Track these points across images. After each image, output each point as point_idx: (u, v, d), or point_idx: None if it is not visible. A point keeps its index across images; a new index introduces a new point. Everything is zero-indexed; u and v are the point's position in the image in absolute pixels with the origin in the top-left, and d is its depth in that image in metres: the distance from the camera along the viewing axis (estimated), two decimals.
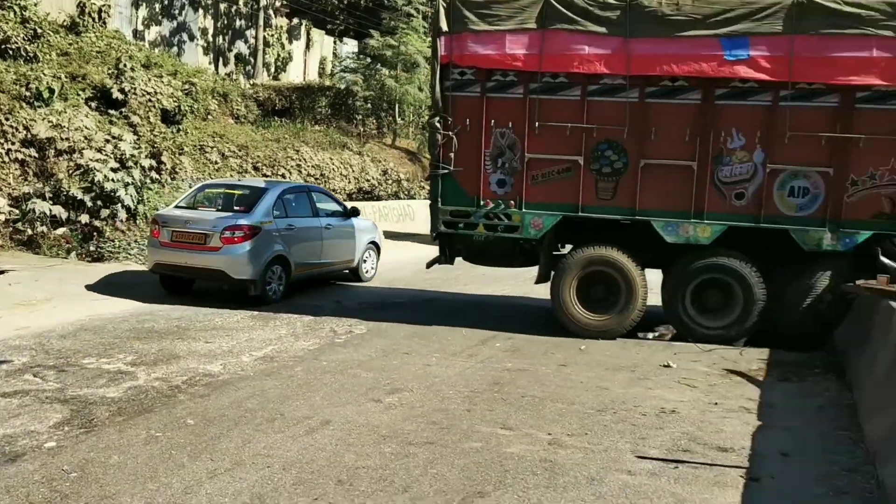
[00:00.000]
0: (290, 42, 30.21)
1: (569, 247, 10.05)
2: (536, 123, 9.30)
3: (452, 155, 9.59)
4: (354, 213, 13.33)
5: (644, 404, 6.67)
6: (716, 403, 6.76)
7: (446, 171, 9.61)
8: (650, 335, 9.68)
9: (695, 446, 5.64)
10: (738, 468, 5.21)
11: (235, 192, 11.93)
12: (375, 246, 13.91)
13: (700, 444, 5.68)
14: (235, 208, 11.32)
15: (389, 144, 27.14)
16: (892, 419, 5.24)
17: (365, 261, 13.55)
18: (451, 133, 9.53)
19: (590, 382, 7.37)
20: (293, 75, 29.90)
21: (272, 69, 28.92)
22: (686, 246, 9.24)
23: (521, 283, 12.50)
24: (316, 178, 20.66)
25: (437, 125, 9.57)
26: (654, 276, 9.74)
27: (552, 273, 9.75)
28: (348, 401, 6.49)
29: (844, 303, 8.99)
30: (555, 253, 10.17)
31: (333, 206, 13.12)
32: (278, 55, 29.25)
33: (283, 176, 19.58)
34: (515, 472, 5.03)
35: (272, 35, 28.74)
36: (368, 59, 27.91)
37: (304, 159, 20.98)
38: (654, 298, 9.64)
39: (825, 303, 9.05)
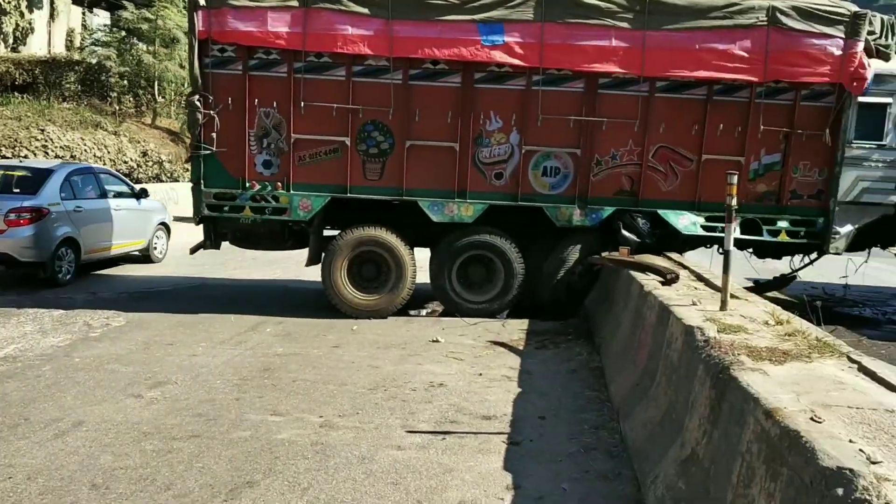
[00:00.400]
0: (31, 11, 27.42)
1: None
2: (302, 103, 9.17)
3: (215, 135, 9.21)
4: (143, 194, 13.20)
5: (414, 380, 6.84)
6: (480, 374, 7.08)
7: (208, 151, 9.23)
8: (420, 312, 9.95)
9: (461, 417, 5.88)
10: (500, 434, 5.50)
11: (16, 173, 11.39)
12: (166, 227, 13.99)
13: (466, 415, 5.92)
14: (15, 190, 10.92)
15: (149, 124, 25.49)
16: (632, 378, 5.77)
17: (156, 244, 13.57)
18: (212, 112, 9.15)
19: (362, 362, 7.44)
20: (36, 48, 27.15)
21: (10, 40, 26.11)
22: (451, 224, 9.57)
23: (292, 266, 12.34)
24: (66, 161, 18.98)
25: (198, 104, 9.13)
26: (423, 255, 9.99)
27: (323, 255, 9.70)
28: (105, 398, 6.06)
29: (593, 273, 9.78)
30: (325, 234, 10.12)
31: (122, 188, 12.94)
32: (17, 25, 26.43)
33: (25, 157, 17.79)
34: (286, 457, 4.97)
35: (8, 2, 25.92)
36: (123, 33, 26.04)
37: (51, 139, 19.18)
38: (424, 276, 9.90)
39: (576, 274, 9.77)
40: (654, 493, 3.98)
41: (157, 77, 25.30)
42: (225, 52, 9.13)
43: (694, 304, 5.60)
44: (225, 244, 10.18)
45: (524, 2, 9.03)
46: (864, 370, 3.73)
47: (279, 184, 9.35)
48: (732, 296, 5.81)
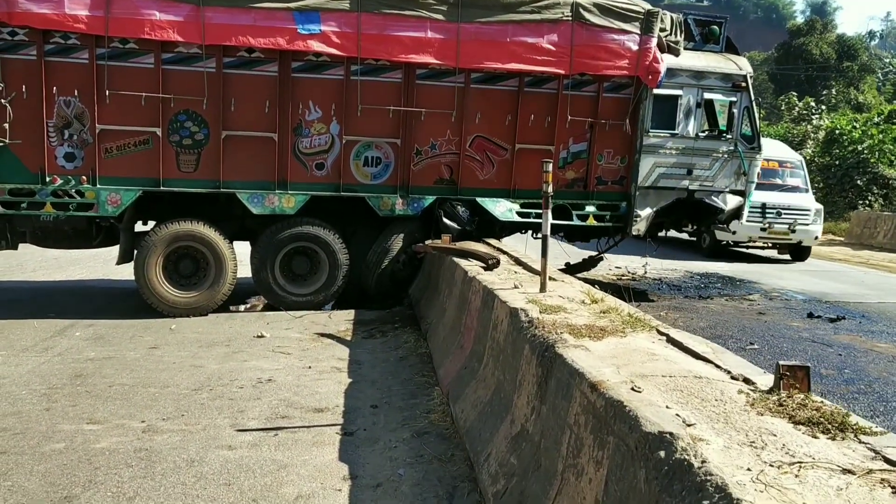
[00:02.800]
0: None
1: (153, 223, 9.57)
2: (107, 92, 8.63)
3: (7, 126, 8.48)
4: None
5: (241, 377, 6.67)
6: (309, 367, 7.02)
7: (1, 144, 8.47)
8: (241, 307, 9.70)
9: (293, 411, 5.80)
10: (333, 426, 5.48)
11: None
12: None
13: (297, 409, 5.85)
14: None
15: None
16: (460, 361, 5.93)
17: None
18: (3, 101, 8.41)
19: (183, 362, 7.14)
20: None
21: None
22: (272, 216, 9.38)
23: (99, 265, 11.63)
24: None
25: None
26: (244, 248, 9.73)
27: (135, 252, 9.20)
28: None
29: (417, 262, 9.95)
30: (138, 230, 9.60)
31: None
32: None
33: None
34: (107, 467, 4.68)
35: None
36: None
37: None
38: (245, 270, 9.65)
39: (400, 262, 9.89)
40: (486, 471, 4.13)
41: None
42: (16, 36, 8.40)
43: (516, 287, 5.85)
44: (23, 244, 9.43)
45: None
46: (672, 341, 4.07)
47: (84, 178, 8.75)
48: (550, 278, 6.11)
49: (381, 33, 9.14)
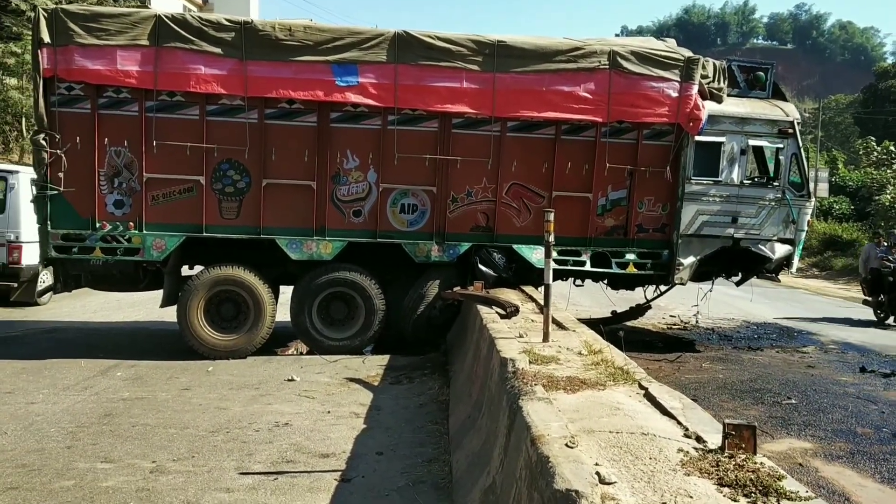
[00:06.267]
0: None
1: (199, 268, 9.91)
2: (154, 142, 9.06)
3: (62, 175, 8.98)
4: None
5: (260, 420, 6.79)
6: (329, 412, 7.09)
7: (55, 192, 8.97)
8: (282, 351, 9.90)
9: (300, 456, 5.87)
10: (334, 472, 5.52)
11: None
12: None
13: (305, 453, 5.92)
14: None
15: (16, 161, 24.50)
16: (465, 409, 5.92)
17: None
18: (59, 151, 8.92)
19: (209, 404, 7.33)
20: None
21: None
22: (310, 262, 9.59)
23: (155, 307, 12.02)
24: None
25: (44, 143, 8.89)
26: (288, 293, 9.95)
27: (179, 295, 9.53)
28: None
29: (454, 308, 9.97)
30: (184, 274, 9.96)
31: None
32: None
33: None
34: None
35: None
36: None
37: None
38: (286, 315, 9.87)
39: (437, 309, 9.93)
40: None
41: (23, 113, 24.36)
42: (72, 91, 8.95)
43: (520, 336, 5.83)
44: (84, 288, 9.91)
45: (378, 44, 9.24)
46: (648, 396, 3.98)
47: (131, 224, 9.17)
48: (562, 326, 6.08)
49: (418, 84, 9.34)
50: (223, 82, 9.02)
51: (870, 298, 15.34)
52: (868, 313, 15.34)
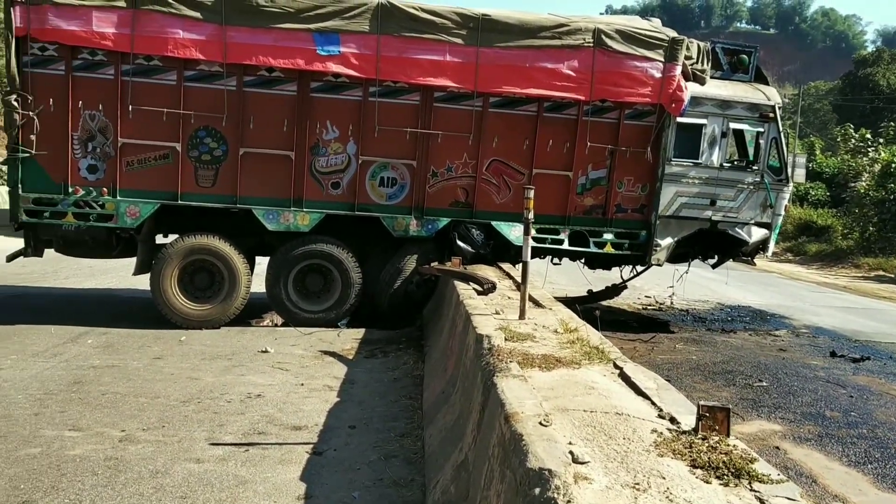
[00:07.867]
0: None
1: (173, 236, 9.78)
2: (130, 107, 8.89)
3: (34, 137, 8.79)
4: None
5: (232, 391, 6.73)
6: (302, 384, 7.05)
7: (27, 154, 8.78)
8: (257, 322, 9.82)
9: (271, 427, 5.83)
10: (306, 444, 5.48)
11: None
12: None
13: (276, 425, 5.88)
14: None
15: None
16: (439, 384, 5.90)
17: None
18: (31, 113, 8.73)
19: (181, 374, 7.25)
20: None
21: None
22: (287, 233, 9.50)
23: (128, 274, 11.88)
24: None
25: (15, 104, 8.68)
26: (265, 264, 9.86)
27: (153, 263, 9.41)
28: None
29: (432, 283, 9.94)
30: (158, 242, 9.83)
31: None
32: None
33: None
34: (73, 474, 4.77)
35: None
36: None
37: None
38: (261, 286, 9.79)
39: (414, 283, 9.89)
40: (432, 498, 4.09)
41: None
42: (46, 51, 8.73)
43: (497, 313, 5.80)
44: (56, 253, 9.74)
45: (361, 13, 9.10)
46: (622, 375, 3.98)
47: (105, 189, 9.02)
48: (539, 304, 6.06)
49: (400, 56, 9.22)
50: (202, 47, 8.85)
51: None
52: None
